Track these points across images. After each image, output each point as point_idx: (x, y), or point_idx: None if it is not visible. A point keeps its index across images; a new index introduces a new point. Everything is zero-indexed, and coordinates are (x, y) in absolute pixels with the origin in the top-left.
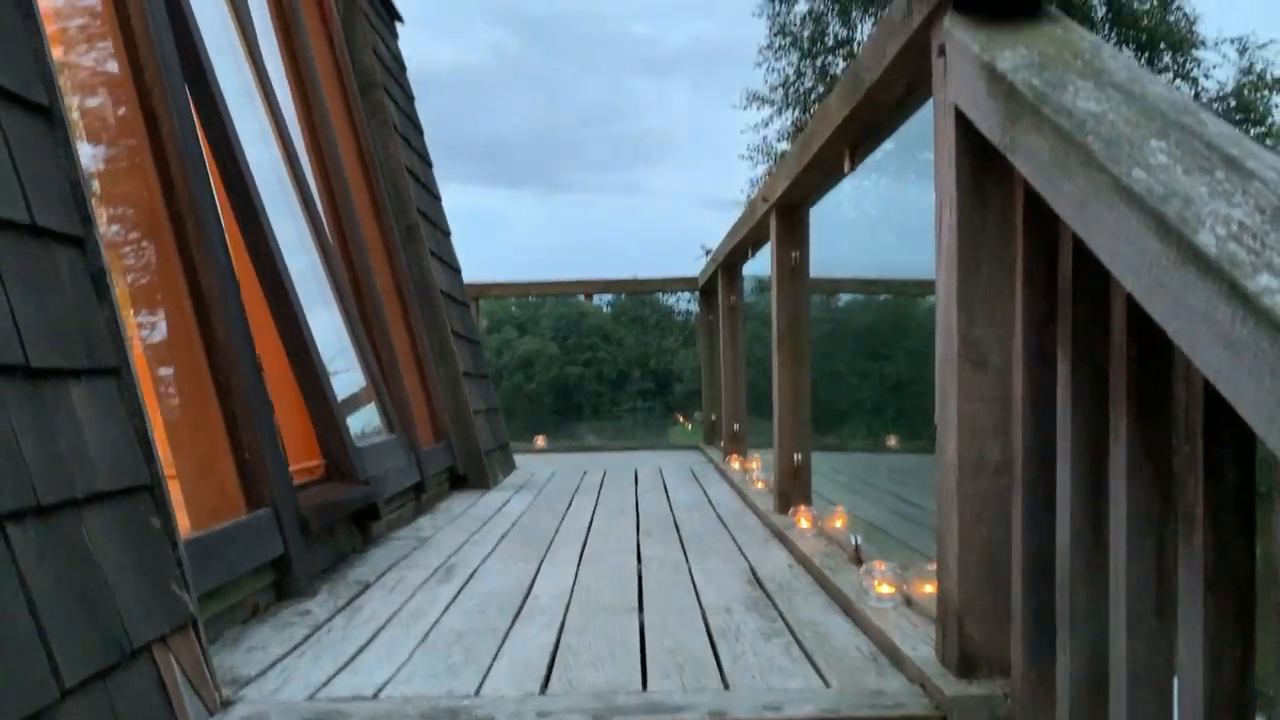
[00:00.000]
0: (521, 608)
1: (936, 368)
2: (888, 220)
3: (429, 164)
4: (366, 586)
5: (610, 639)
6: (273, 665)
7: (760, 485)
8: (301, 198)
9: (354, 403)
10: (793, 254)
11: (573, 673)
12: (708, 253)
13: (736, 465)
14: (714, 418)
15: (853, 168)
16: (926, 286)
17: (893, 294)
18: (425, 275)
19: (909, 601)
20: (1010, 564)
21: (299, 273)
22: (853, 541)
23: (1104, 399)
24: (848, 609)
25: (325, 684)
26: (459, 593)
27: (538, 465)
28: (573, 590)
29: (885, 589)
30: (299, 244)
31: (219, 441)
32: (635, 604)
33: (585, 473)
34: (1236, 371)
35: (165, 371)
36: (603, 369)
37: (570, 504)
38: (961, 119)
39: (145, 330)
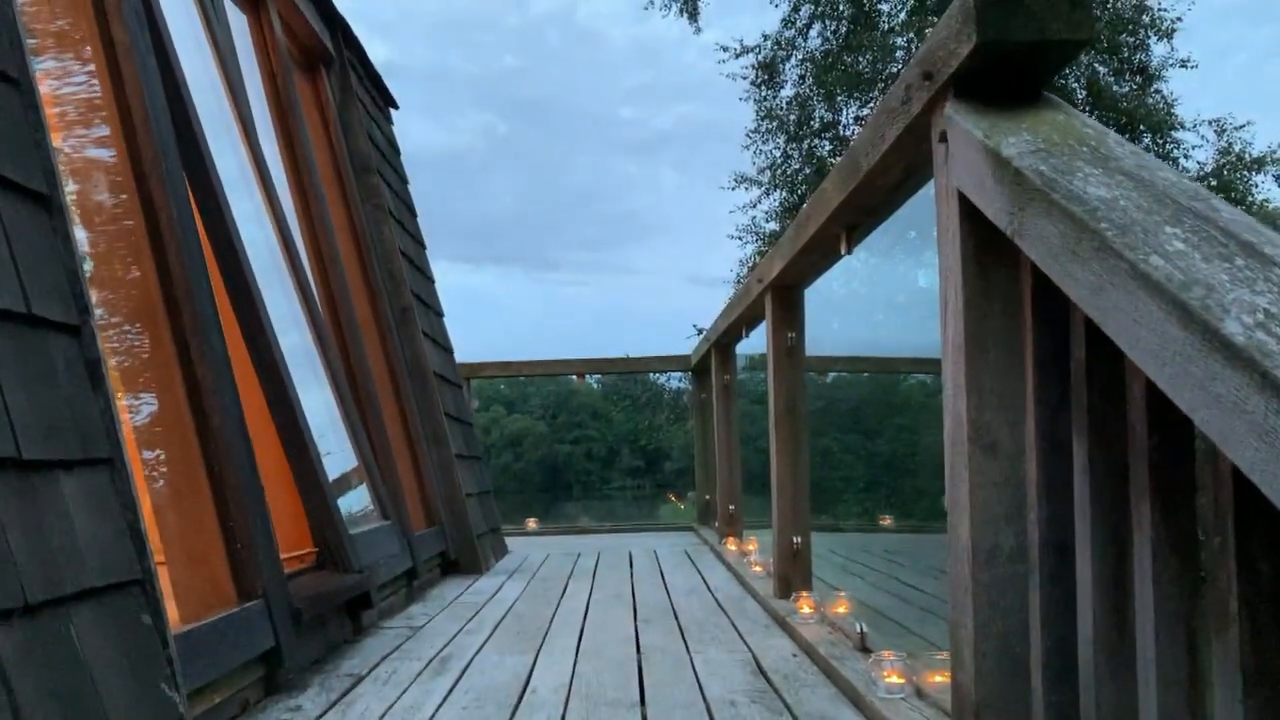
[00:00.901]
0: (520, 702)
1: (946, 451)
2: (875, 297)
3: (422, 246)
4: (359, 679)
5: None
6: None
7: (758, 569)
8: (296, 280)
9: (345, 484)
10: (789, 335)
11: None
12: (699, 331)
13: (733, 547)
14: (707, 498)
15: (850, 250)
16: (915, 364)
17: (882, 371)
18: (419, 357)
19: (920, 693)
20: (1030, 658)
21: (293, 354)
22: (858, 629)
23: (1124, 487)
24: (857, 701)
25: None
26: (454, 686)
27: (530, 548)
28: (572, 682)
29: (895, 679)
30: (293, 325)
31: (210, 530)
32: (637, 697)
33: (579, 555)
34: (1272, 463)
35: (157, 458)
36: (592, 447)
37: (565, 589)
38: (965, 203)
39: (136, 415)
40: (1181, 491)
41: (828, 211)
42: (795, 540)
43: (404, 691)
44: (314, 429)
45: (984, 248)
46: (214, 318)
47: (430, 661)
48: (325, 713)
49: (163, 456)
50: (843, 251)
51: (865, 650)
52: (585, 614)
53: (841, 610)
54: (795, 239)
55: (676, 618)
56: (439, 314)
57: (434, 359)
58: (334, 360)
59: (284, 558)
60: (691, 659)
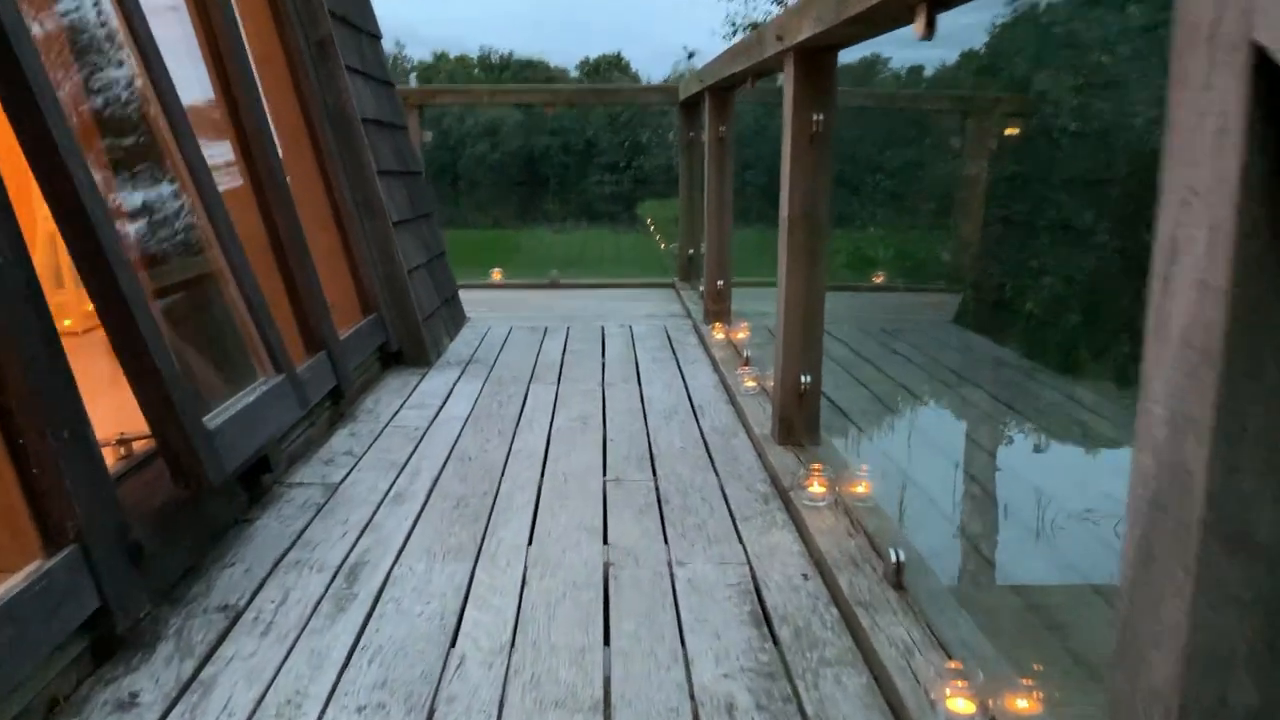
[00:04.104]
0: (438, 688)
1: (1130, 519)
2: None
3: None
4: (234, 619)
5: None
6: None
7: (752, 384)
8: (121, 11)
9: (210, 341)
10: (815, 117)
11: None
12: (690, 56)
13: (720, 335)
14: (691, 252)
15: (929, 31)
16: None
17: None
18: (342, 105)
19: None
20: None
21: (114, 131)
22: (893, 558)
23: None
24: (898, 710)
25: None
26: (356, 642)
27: (492, 318)
28: (514, 638)
29: (964, 706)
30: (122, 95)
31: None
32: (600, 692)
33: (545, 333)
34: None
35: None
36: (569, 139)
37: (523, 407)
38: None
39: None
40: None
41: None
42: (803, 379)
43: (288, 653)
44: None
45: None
46: None
47: (335, 576)
48: (166, 714)
49: None
50: (917, 33)
51: (900, 588)
52: (543, 467)
53: (862, 491)
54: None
55: (654, 473)
56: (375, 36)
57: (364, 102)
58: (211, 129)
59: (118, 457)
60: (674, 583)
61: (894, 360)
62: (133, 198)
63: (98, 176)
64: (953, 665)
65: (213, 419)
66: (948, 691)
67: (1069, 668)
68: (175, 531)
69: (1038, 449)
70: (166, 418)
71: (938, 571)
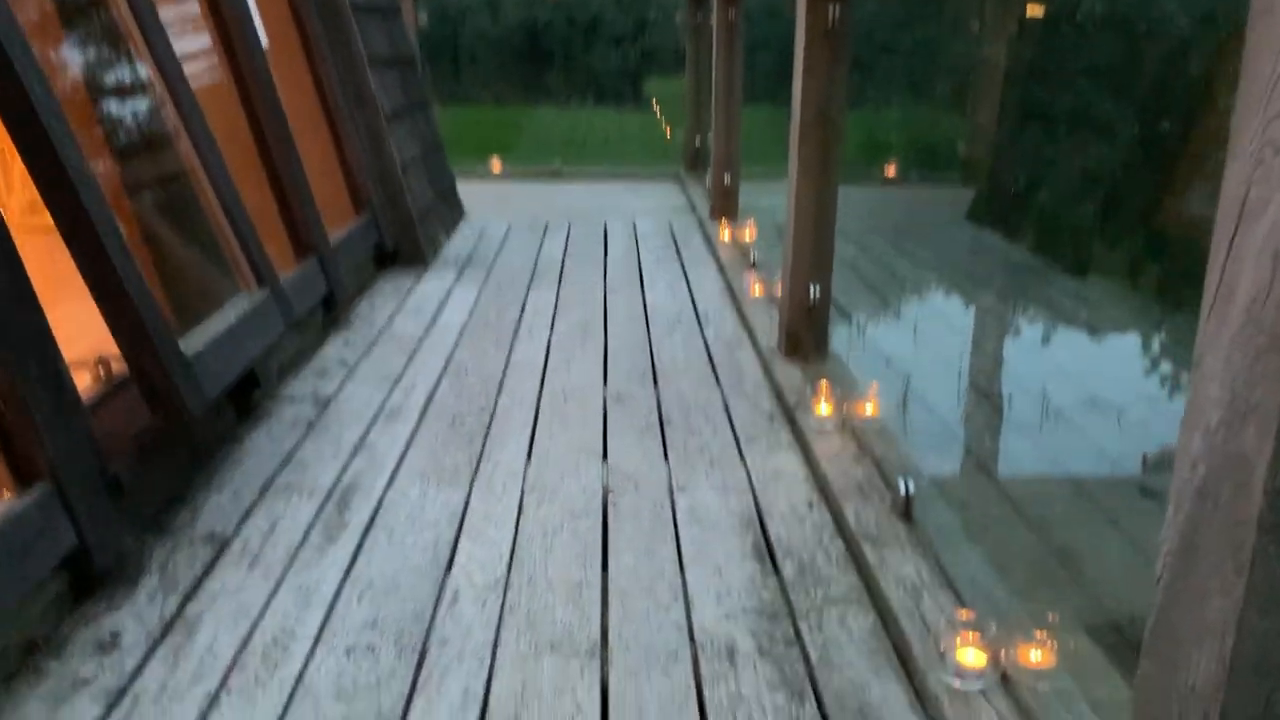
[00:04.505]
0: (430, 628)
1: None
2: None
3: None
4: (221, 548)
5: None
6: None
7: (758, 290)
8: None
9: (187, 256)
10: (831, 8)
11: None
12: None
13: (727, 236)
14: (698, 143)
15: None
16: None
17: None
18: None
19: (1005, 677)
20: None
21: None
22: (902, 489)
23: None
24: (912, 673)
25: None
26: (345, 578)
27: (490, 213)
28: (509, 573)
29: (974, 657)
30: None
31: None
32: (597, 634)
33: (546, 229)
34: None
35: None
36: (574, 12)
37: (522, 311)
38: None
39: None
40: None
41: None
42: (813, 291)
43: (275, 588)
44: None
45: None
46: None
47: (325, 502)
48: (153, 650)
49: None
50: None
51: (908, 519)
52: (542, 381)
53: (870, 413)
54: None
55: (657, 390)
56: None
57: None
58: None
59: (92, 387)
60: (674, 509)
61: (903, 263)
62: (98, 98)
63: (54, 81)
64: (965, 615)
65: (191, 344)
66: (958, 641)
67: (1041, 558)
68: (159, 457)
69: (1046, 341)
70: (140, 347)
71: (940, 466)
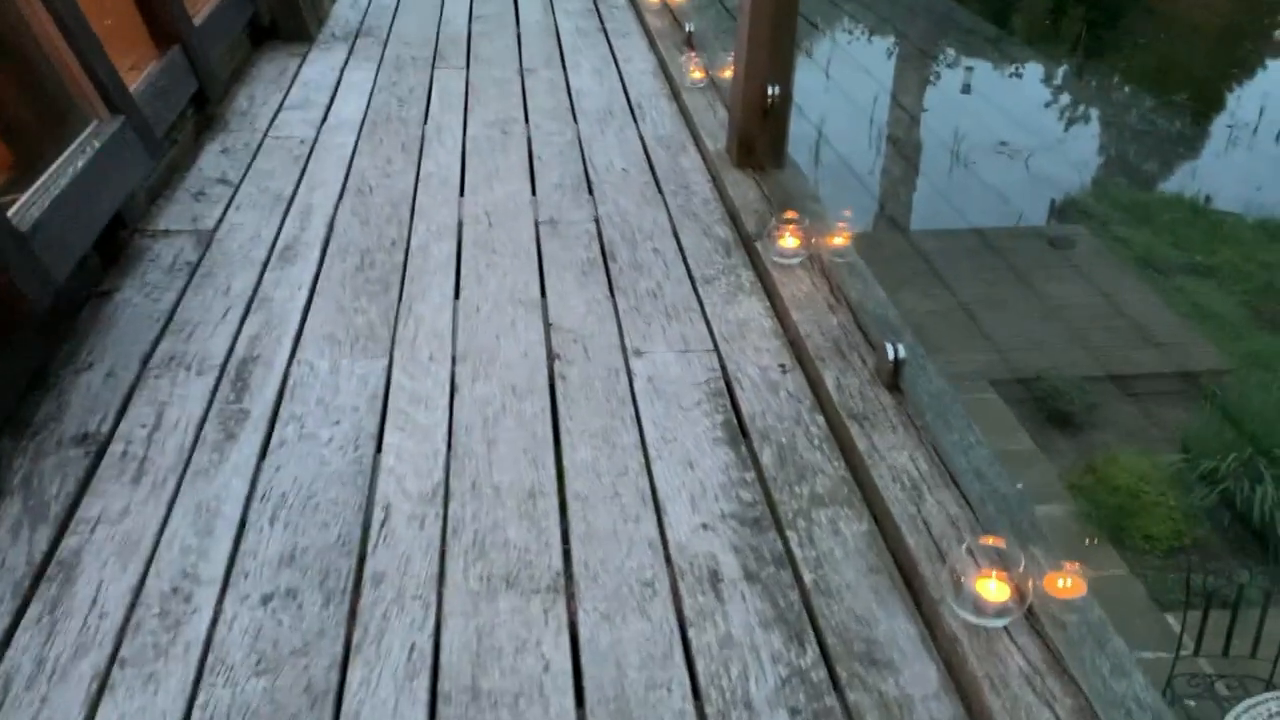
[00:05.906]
0: (361, 562)
1: None
2: None
3: None
4: (98, 454)
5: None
6: None
7: (698, 73)
8: None
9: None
10: None
11: None
12: None
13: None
14: None
15: None
16: None
17: None
18: None
19: (1021, 597)
20: None
21: None
22: (890, 354)
23: None
24: (921, 602)
25: None
26: (252, 494)
27: None
28: (447, 477)
29: (996, 589)
30: None
31: None
32: (559, 560)
33: None
34: None
35: None
36: None
37: (428, 108)
38: None
39: None
40: None
41: None
42: (771, 91)
43: (168, 511)
44: None
45: None
46: None
47: (219, 382)
48: (17, 621)
49: None
50: None
51: (896, 389)
52: (460, 200)
53: (840, 243)
54: None
55: (595, 209)
56: None
57: None
58: None
59: None
60: (631, 381)
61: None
62: None
63: None
64: (991, 541)
65: (26, 213)
66: (976, 576)
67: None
68: (7, 330)
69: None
70: None
71: (856, 220)
